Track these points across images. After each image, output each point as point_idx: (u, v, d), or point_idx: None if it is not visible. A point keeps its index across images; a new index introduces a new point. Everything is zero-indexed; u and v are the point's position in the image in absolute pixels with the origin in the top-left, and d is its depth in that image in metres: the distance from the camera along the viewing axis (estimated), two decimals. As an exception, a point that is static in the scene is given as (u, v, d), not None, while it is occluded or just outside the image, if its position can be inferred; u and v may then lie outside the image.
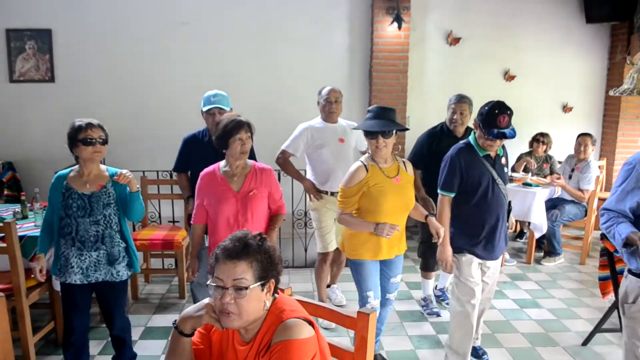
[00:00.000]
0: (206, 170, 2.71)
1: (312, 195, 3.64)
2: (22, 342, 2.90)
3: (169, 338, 1.60)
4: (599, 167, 5.34)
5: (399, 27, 5.46)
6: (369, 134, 2.62)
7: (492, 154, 2.79)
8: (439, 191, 2.84)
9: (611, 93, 5.19)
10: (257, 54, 5.68)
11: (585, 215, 4.95)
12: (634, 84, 4.63)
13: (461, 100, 3.55)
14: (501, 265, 3.78)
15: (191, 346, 1.56)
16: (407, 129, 2.81)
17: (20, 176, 5.54)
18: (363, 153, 3.59)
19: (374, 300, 2.77)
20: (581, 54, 6.20)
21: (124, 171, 2.54)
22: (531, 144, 5.39)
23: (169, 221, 4.76)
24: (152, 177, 4.59)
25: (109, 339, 2.83)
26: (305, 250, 4.78)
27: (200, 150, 3.18)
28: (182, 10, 5.55)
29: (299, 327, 1.46)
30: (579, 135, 5.01)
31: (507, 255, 4.95)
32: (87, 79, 5.59)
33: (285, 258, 4.53)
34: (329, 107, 3.60)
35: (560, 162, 5.38)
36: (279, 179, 3.79)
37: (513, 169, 5.32)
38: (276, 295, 1.57)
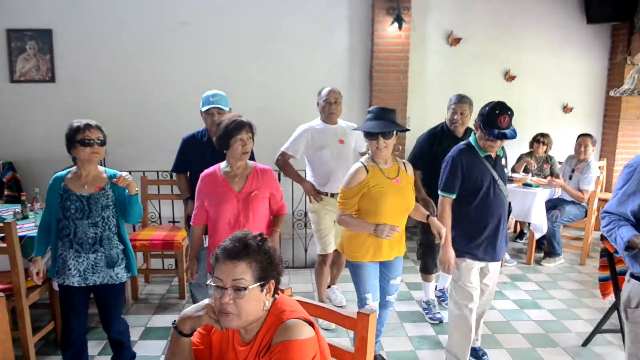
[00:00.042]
0: (207, 171, 2.71)
1: (311, 197, 3.64)
2: (22, 342, 2.90)
3: (169, 338, 1.60)
4: (600, 167, 5.35)
5: (400, 28, 5.46)
6: (369, 135, 2.62)
7: (493, 154, 2.79)
8: (439, 192, 2.83)
9: (612, 93, 5.19)
10: (257, 54, 5.68)
11: (586, 215, 4.95)
12: (635, 84, 4.63)
13: (461, 101, 3.54)
14: (501, 266, 3.78)
15: (191, 346, 1.56)
16: (408, 130, 2.80)
17: (20, 176, 5.54)
18: (362, 154, 3.59)
19: (373, 303, 2.76)
20: (582, 54, 6.20)
21: (124, 174, 2.52)
22: (531, 145, 5.39)
23: (169, 221, 4.76)
24: (152, 178, 4.59)
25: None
26: (306, 250, 4.78)
27: (199, 151, 3.18)
28: (182, 10, 5.55)
29: (299, 327, 1.46)
30: (579, 136, 5.01)
31: (507, 256, 4.95)
32: (87, 79, 5.59)
33: (285, 258, 4.52)
34: (329, 108, 3.59)
35: (560, 163, 5.38)
36: (279, 179, 3.79)
37: (513, 170, 5.32)
38: (276, 295, 1.57)
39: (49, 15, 5.46)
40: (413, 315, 3.79)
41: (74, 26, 5.50)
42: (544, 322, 3.70)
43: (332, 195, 3.57)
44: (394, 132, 2.62)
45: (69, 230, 2.51)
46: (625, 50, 5.94)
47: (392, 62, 5.64)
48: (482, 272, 2.94)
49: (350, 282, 2.85)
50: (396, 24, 5.43)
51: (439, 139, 3.59)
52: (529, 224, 4.96)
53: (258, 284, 1.46)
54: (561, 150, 5.82)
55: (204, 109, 3.18)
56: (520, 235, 5.79)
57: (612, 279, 3.12)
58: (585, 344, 3.36)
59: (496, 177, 2.77)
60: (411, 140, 4.07)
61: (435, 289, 4.03)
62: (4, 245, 2.78)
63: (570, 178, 5.00)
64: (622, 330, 3.06)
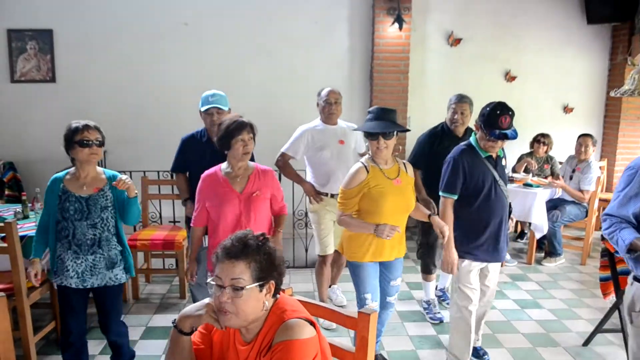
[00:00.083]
0: (207, 172, 2.70)
1: (311, 198, 3.64)
2: (22, 342, 2.90)
3: (169, 338, 1.60)
4: (600, 167, 5.35)
5: (400, 28, 5.46)
6: (370, 135, 2.61)
7: (494, 155, 2.79)
8: (441, 193, 2.82)
9: (612, 94, 5.19)
10: (257, 54, 5.68)
11: (586, 215, 4.95)
12: (635, 84, 4.64)
13: (462, 100, 3.55)
14: (501, 266, 3.77)
15: (191, 345, 1.56)
16: (408, 130, 2.80)
17: (21, 176, 5.54)
18: (361, 155, 3.59)
19: (372, 303, 2.75)
20: (582, 55, 6.20)
21: (123, 177, 2.51)
22: (532, 145, 5.39)
23: (170, 221, 4.76)
24: (153, 177, 4.60)
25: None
26: (306, 250, 4.78)
27: (199, 151, 3.17)
28: (182, 10, 5.56)
29: (300, 327, 1.46)
30: (580, 136, 5.01)
31: (507, 256, 4.95)
32: (88, 79, 5.60)
33: (285, 258, 4.53)
34: (329, 109, 3.59)
35: (561, 163, 5.38)
36: (279, 180, 3.79)
37: (514, 170, 5.32)
38: (278, 295, 1.57)
39: (50, 15, 5.46)
40: (414, 315, 3.79)
41: (75, 26, 5.50)
42: (545, 322, 3.70)
43: (332, 195, 3.56)
44: (395, 133, 2.61)
45: (68, 231, 2.50)
46: (626, 50, 5.94)
47: (392, 63, 5.64)
48: (482, 273, 2.94)
49: (351, 281, 2.85)
50: (396, 25, 5.43)
51: (439, 138, 3.60)
52: (530, 224, 4.96)
53: (256, 284, 1.46)
54: (562, 150, 5.82)
55: (203, 108, 3.17)
56: (521, 235, 5.79)
57: (613, 279, 3.12)
58: (586, 343, 3.37)
59: (497, 177, 2.77)
60: (411, 141, 4.07)
61: (436, 288, 4.03)
62: (5, 245, 2.77)
63: (571, 178, 5.00)
64: (622, 330, 3.07)
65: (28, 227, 3.23)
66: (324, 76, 5.35)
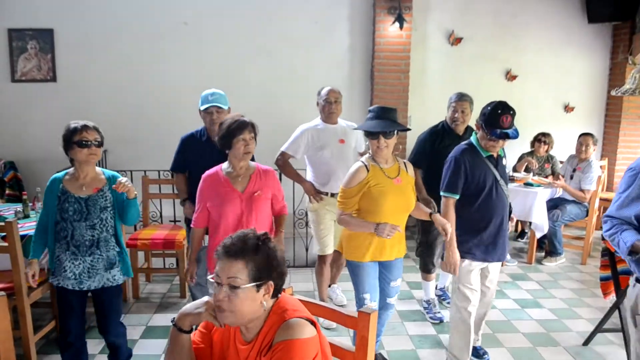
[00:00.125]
0: (208, 172, 2.69)
1: (311, 197, 3.64)
2: (23, 341, 2.90)
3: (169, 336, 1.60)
4: (601, 167, 5.34)
5: (401, 27, 5.46)
6: (370, 134, 2.61)
7: (494, 154, 2.79)
8: (442, 193, 2.81)
9: (613, 93, 5.18)
10: (257, 54, 5.68)
11: (587, 215, 4.95)
12: (636, 84, 4.63)
13: (462, 99, 3.54)
14: (502, 266, 3.77)
15: (190, 343, 1.56)
16: (409, 129, 2.79)
17: (22, 175, 5.55)
18: (361, 154, 3.59)
19: (371, 303, 2.74)
20: (583, 54, 6.20)
21: (123, 179, 2.50)
22: (533, 144, 5.39)
23: (170, 221, 4.76)
24: (154, 177, 4.60)
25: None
26: (306, 249, 4.78)
27: (198, 150, 3.17)
28: (182, 10, 5.56)
29: (301, 326, 1.45)
30: (581, 135, 5.00)
31: (508, 256, 4.94)
32: (88, 78, 5.60)
33: (286, 258, 4.54)
34: (329, 108, 3.58)
35: (561, 162, 5.38)
36: (280, 179, 3.79)
37: (514, 169, 5.32)
38: (278, 295, 1.56)
39: (50, 15, 5.47)
40: (414, 315, 3.79)
41: (75, 26, 5.51)
42: (545, 322, 3.70)
43: (333, 195, 3.56)
44: (395, 132, 2.61)
45: (67, 232, 2.48)
46: (627, 49, 5.93)
47: (393, 62, 5.64)
48: (482, 273, 2.94)
49: (351, 281, 2.85)
50: (397, 24, 5.43)
51: (440, 137, 3.59)
52: (530, 223, 4.96)
53: (253, 284, 1.45)
54: (562, 149, 5.82)
55: (202, 107, 3.17)
56: (522, 234, 5.79)
57: (614, 279, 3.12)
58: (586, 343, 3.36)
59: (498, 177, 2.77)
60: (412, 140, 4.07)
61: (436, 288, 4.03)
62: (6, 244, 2.77)
63: (572, 177, 5.00)
64: (623, 330, 3.06)
65: (29, 227, 3.23)
66: (324, 76, 5.35)
